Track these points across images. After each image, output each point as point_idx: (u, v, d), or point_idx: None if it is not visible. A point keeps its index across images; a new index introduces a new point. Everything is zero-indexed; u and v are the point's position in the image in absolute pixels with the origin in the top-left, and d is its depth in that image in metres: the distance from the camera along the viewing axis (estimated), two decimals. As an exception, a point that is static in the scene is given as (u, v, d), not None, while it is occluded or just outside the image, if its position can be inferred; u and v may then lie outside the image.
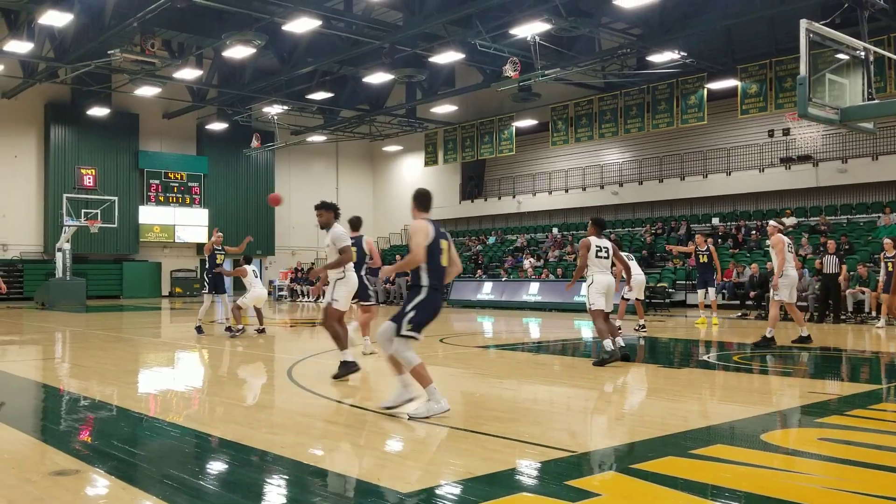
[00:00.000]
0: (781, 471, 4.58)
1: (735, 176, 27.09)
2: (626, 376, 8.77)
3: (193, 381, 9.31)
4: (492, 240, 33.14)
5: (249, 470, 4.71)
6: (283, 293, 33.09)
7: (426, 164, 36.30)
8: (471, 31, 22.38)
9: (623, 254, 14.11)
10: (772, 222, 11.69)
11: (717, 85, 24.85)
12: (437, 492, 4.12)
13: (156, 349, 12.86)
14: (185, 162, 35.61)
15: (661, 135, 28.47)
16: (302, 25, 21.30)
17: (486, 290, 25.83)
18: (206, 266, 14.41)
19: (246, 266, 14.22)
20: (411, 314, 5.90)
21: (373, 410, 6.33)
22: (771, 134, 26.40)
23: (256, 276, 14.36)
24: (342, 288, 8.41)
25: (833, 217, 24.13)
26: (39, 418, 6.87)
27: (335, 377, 8.04)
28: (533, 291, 24.05)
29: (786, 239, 11.26)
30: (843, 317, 16.90)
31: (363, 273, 10.01)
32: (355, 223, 10.27)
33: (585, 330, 15.30)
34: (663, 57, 23.36)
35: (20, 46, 24.00)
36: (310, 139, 35.96)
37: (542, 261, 27.51)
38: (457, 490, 4.14)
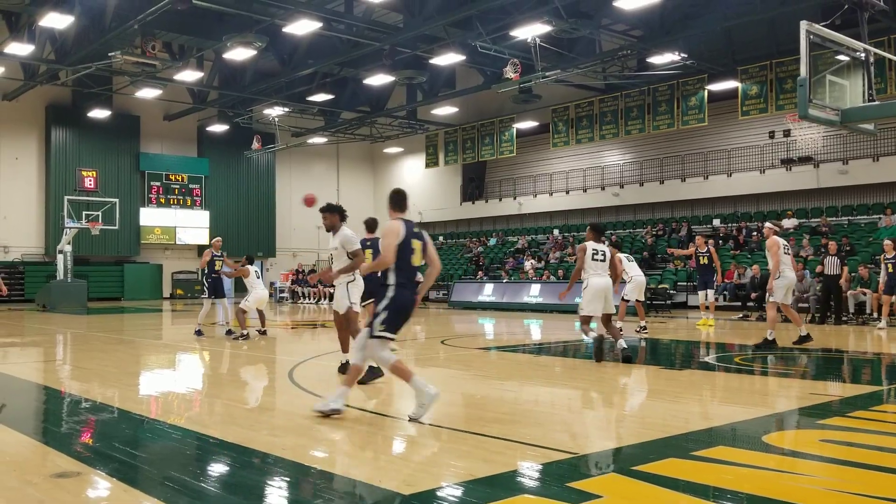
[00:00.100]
0: (783, 472, 4.57)
1: (736, 177, 27.09)
2: (628, 378, 8.77)
3: (194, 383, 9.31)
4: (493, 241, 33.14)
5: (251, 472, 4.71)
6: (284, 295, 33.09)
7: (427, 165, 36.32)
8: (471, 33, 22.39)
9: (623, 255, 14.16)
10: (768, 224, 11.65)
11: (717, 86, 24.85)
12: (439, 494, 4.11)
13: (157, 351, 12.87)
14: (185, 164, 35.63)
15: (662, 136, 28.48)
16: (302, 27, 21.32)
17: (487, 292, 25.84)
18: (206, 271, 14.40)
19: (248, 266, 14.20)
20: (383, 315, 5.92)
21: (374, 412, 6.34)
22: (772, 135, 26.40)
23: (258, 277, 14.35)
24: (356, 291, 8.39)
25: (834, 218, 24.12)
26: (41, 420, 6.87)
27: (361, 382, 7.86)
28: (534, 293, 24.05)
29: (782, 241, 11.22)
30: (844, 318, 16.90)
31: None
32: (371, 225, 10.00)
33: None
34: (664, 58, 23.37)
35: (21, 48, 24.01)
36: (310, 141, 35.97)
37: (543, 262, 27.51)
38: (458, 492, 4.14)
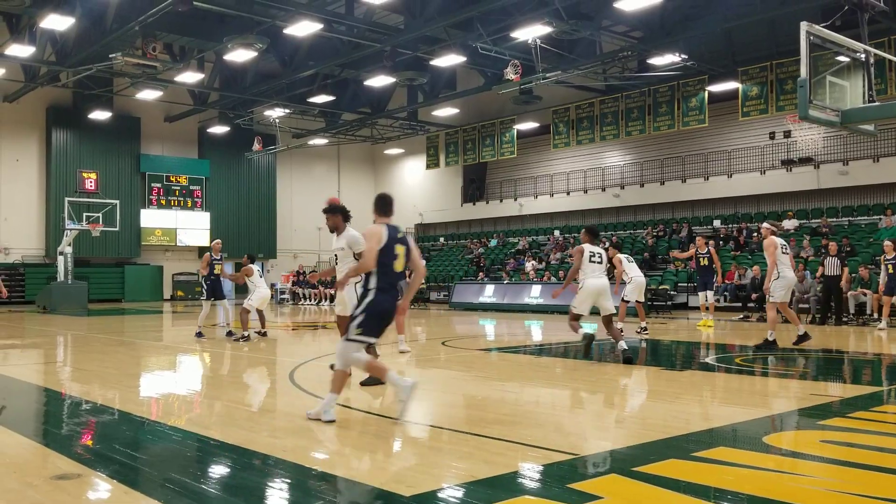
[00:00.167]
0: (783, 473, 4.57)
1: (736, 178, 27.10)
2: (628, 379, 8.77)
3: (195, 384, 9.31)
4: (493, 242, 33.15)
5: (251, 474, 4.71)
6: (285, 296, 33.09)
7: (428, 166, 36.33)
8: (472, 35, 22.42)
9: (623, 255, 14.19)
10: (765, 224, 11.57)
11: (717, 87, 24.86)
12: (440, 495, 4.12)
13: (157, 353, 12.87)
14: (186, 165, 35.64)
15: (663, 137, 28.48)
16: (303, 29, 21.33)
17: (488, 293, 25.84)
18: (206, 272, 14.39)
19: (251, 265, 14.18)
20: (360, 318, 5.92)
21: (374, 413, 6.34)
22: (772, 136, 26.39)
23: (261, 276, 14.33)
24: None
25: (834, 219, 24.12)
26: (41, 422, 6.87)
27: (363, 384, 7.80)
28: (535, 294, 24.05)
29: (779, 241, 11.19)
30: (844, 319, 16.89)
31: None
32: None
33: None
34: (664, 59, 23.38)
35: (22, 50, 24.02)
36: (311, 142, 35.98)
37: (543, 263, 27.51)
38: (459, 493, 4.14)
